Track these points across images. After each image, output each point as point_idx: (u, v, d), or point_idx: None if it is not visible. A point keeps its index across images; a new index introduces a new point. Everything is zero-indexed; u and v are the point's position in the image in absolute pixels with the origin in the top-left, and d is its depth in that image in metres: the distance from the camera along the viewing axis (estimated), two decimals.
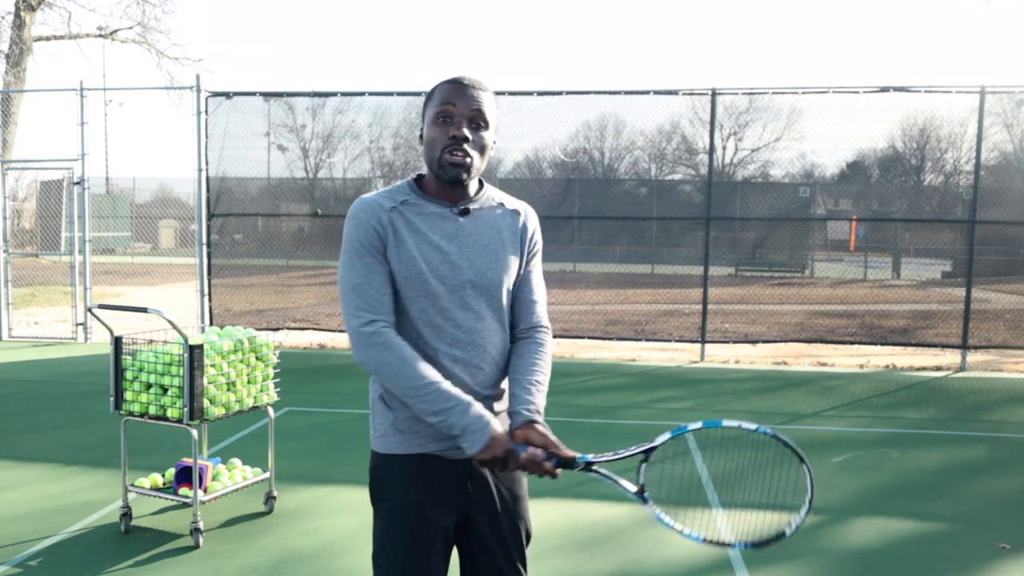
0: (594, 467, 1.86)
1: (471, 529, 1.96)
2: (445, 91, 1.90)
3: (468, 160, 1.89)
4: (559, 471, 1.83)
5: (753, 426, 1.88)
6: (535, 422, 1.86)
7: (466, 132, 1.88)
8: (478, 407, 1.82)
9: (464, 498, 1.94)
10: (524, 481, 2.06)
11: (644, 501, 1.91)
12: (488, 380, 1.95)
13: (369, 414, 2.03)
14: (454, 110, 1.88)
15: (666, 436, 1.91)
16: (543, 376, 1.97)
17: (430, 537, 1.90)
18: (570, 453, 1.84)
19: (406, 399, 1.84)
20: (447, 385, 1.83)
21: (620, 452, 1.89)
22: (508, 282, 1.98)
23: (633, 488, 1.91)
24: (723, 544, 1.91)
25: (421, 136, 1.97)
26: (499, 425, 1.84)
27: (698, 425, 1.90)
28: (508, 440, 1.82)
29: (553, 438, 1.85)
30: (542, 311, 2.06)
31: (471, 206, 1.96)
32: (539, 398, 1.92)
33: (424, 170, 2.01)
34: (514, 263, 2.00)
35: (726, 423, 1.89)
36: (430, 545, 1.90)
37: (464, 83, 1.90)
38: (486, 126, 1.92)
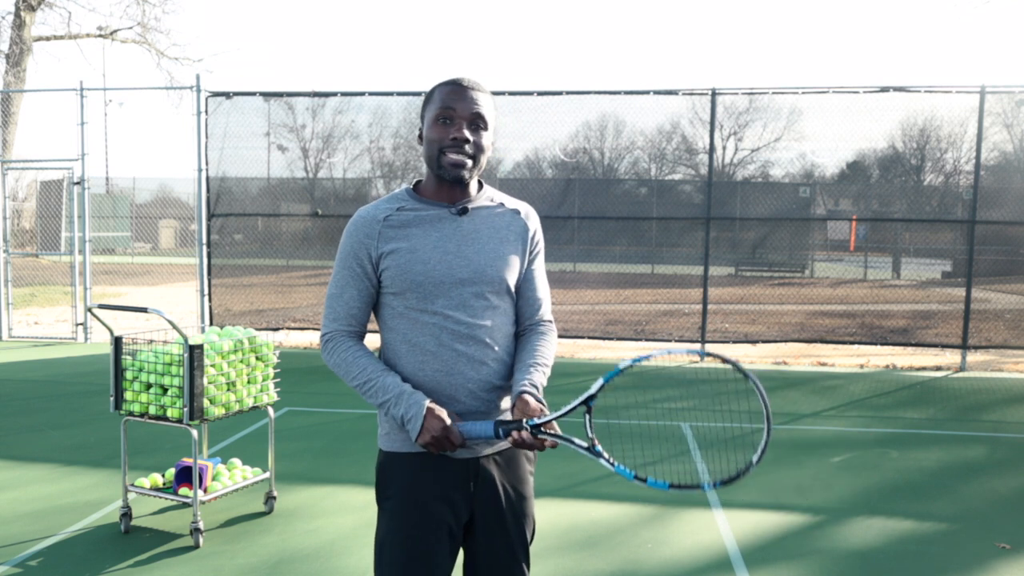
0: (542, 429, 1.82)
1: (476, 527, 1.98)
2: (445, 93, 1.93)
3: (468, 160, 1.92)
4: (523, 435, 1.79)
5: (683, 348, 1.84)
6: (525, 393, 1.87)
7: (466, 133, 1.91)
8: (413, 394, 1.86)
9: (468, 496, 1.95)
10: (530, 480, 2.07)
11: (597, 455, 1.87)
12: (493, 375, 1.96)
13: (374, 414, 2.05)
14: (454, 112, 1.91)
15: (600, 382, 1.87)
16: (543, 358, 1.98)
17: (433, 534, 1.91)
18: (514, 419, 1.83)
19: (363, 397, 1.91)
20: (388, 378, 1.88)
21: (562, 408, 1.87)
22: (511, 279, 2.00)
23: (584, 444, 1.87)
24: (691, 487, 1.85)
25: (420, 137, 1.99)
26: (437, 407, 1.84)
27: (628, 363, 1.86)
28: (444, 418, 1.82)
29: (534, 408, 1.84)
30: (546, 308, 2.09)
31: (469, 205, 1.98)
32: (535, 375, 1.93)
33: (423, 170, 2.02)
34: (515, 261, 2.01)
35: (654, 353, 1.90)
36: (433, 542, 1.91)
37: (463, 85, 1.93)
38: (485, 127, 1.95)
